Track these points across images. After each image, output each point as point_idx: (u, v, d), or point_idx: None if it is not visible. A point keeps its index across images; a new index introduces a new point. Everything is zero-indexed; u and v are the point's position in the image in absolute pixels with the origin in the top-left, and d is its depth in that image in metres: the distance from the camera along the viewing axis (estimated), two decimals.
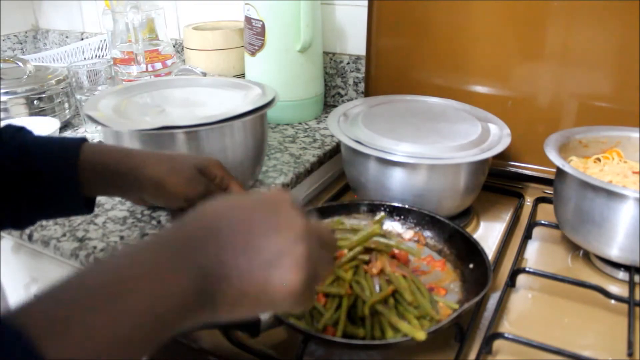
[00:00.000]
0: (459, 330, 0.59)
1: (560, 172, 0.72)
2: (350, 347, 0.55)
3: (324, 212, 0.74)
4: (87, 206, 0.58)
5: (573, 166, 0.70)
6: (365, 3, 1.00)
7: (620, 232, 0.64)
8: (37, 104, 1.03)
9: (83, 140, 0.56)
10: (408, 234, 0.72)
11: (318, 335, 0.53)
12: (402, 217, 0.74)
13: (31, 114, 1.03)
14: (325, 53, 1.14)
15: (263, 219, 0.38)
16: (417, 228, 0.73)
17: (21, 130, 0.56)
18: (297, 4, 0.97)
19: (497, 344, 0.58)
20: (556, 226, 0.77)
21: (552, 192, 0.78)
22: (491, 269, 0.61)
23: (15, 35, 1.71)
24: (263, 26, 1.00)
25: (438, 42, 0.97)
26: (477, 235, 0.78)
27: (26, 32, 1.74)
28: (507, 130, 0.82)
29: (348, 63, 1.14)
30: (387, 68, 1.03)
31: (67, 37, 1.70)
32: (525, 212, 0.85)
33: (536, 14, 0.87)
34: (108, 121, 0.68)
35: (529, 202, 0.88)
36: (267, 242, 0.36)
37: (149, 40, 1.09)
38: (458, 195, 0.78)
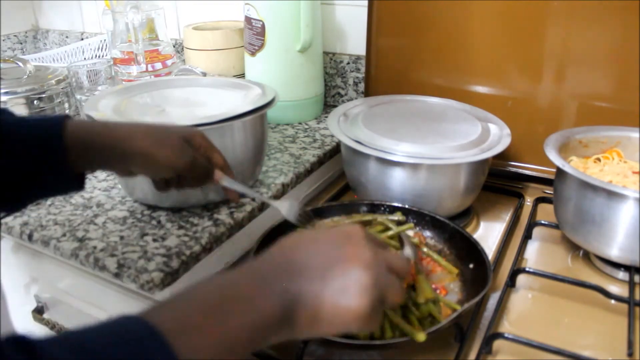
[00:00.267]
0: (459, 330, 0.59)
1: (560, 172, 0.72)
2: (350, 347, 0.55)
3: (324, 212, 0.74)
4: (77, 182, 0.58)
5: (573, 166, 0.70)
6: (365, 3, 1.00)
7: (620, 232, 0.64)
8: (37, 104, 1.03)
9: (66, 116, 0.56)
10: (408, 234, 0.72)
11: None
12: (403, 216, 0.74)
13: (31, 114, 1.02)
14: (325, 53, 1.14)
15: (335, 251, 0.43)
16: (417, 228, 0.73)
17: (2, 112, 0.56)
18: (297, 4, 0.97)
19: (497, 344, 0.58)
20: (556, 226, 0.77)
21: (552, 192, 0.78)
22: (491, 269, 0.61)
23: (15, 35, 1.71)
24: (263, 26, 1.00)
25: (438, 42, 0.97)
26: (477, 235, 0.78)
27: (26, 32, 1.74)
28: (507, 130, 0.82)
29: (348, 63, 1.14)
30: (387, 68, 1.03)
31: (67, 37, 1.70)
32: (525, 212, 0.85)
33: (536, 14, 0.87)
34: None
35: (529, 202, 0.88)
36: (338, 271, 0.42)
37: (149, 40, 1.09)
38: (458, 195, 0.78)
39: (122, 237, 0.69)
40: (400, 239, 0.65)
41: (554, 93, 0.89)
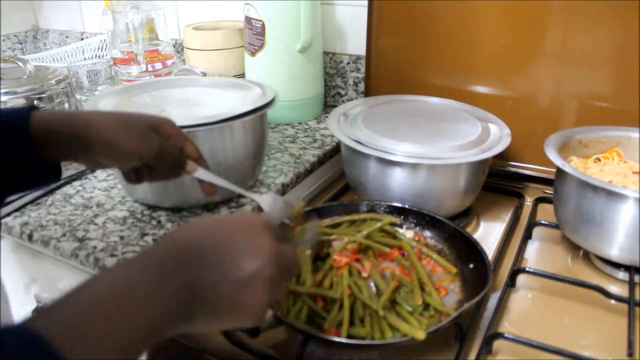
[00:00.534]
0: (459, 330, 0.59)
1: (560, 172, 0.72)
2: (350, 347, 0.55)
3: (324, 212, 0.74)
4: (52, 172, 0.57)
5: (573, 166, 0.70)
6: (365, 3, 1.00)
7: (620, 232, 0.64)
8: (37, 104, 1.03)
9: (32, 107, 0.55)
10: (408, 234, 0.72)
11: (318, 335, 0.53)
12: (402, 217, 0.74)
13: None
14: (325, 53, 1.14)
15: (238, 242, 0.41)
16: (417, 228, 0.73)
17: None
18: (297, 4, 0.97)
19: (497, 344, 0.58)
20: (556, 226, 0.77)
21: (552, 192, 0.78)
22: (491, 269, 0.61)
23: (15, 35, 1.71)
24: (263, 26, 1.00)
25: (438, 42, 0.97)
26: (477, 235, 0.78)
27: (26, 32, 1.74)
28: (507, 130, 0.82)
29: (348, 63, 1.14)
30: (387, 68, 1.03)
31: (67, 37, 1.70)
32: (525, 212, 0.85)
33: (536, 14, 0.87)
34: None
35: (529, 202, 0.88)
36: (241, 264, 0.40)
37: (149, 40, 1.09)
38: (458, 195, 0.78)
39: (122, 237, 0.69)
40: (304, 228, 0.63)
41: (554, 93, 0.89)
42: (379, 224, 0.69)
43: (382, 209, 0.74)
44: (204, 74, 0.97)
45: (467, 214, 0.84)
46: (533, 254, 0.76)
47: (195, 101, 0.79)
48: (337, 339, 0.53)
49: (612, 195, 0.64)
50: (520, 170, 0.94)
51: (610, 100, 0.86)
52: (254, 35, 1.02)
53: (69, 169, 0.86)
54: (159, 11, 1.10)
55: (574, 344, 0.58)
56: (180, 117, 0.72)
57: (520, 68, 0.91)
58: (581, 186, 0.67)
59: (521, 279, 0.69)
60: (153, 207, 0.76)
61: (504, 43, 0.91)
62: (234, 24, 1.20)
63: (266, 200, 0.64)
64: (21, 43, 1.73)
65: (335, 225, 0.71)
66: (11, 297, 0.89)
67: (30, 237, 0.71)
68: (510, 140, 0.79)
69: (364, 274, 0.60)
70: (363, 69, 1.11)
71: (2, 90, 1.00)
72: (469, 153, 0.75)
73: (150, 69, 1.05)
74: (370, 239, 0.67)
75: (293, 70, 1.03)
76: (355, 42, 1.12)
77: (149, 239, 0.69)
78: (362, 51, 1.07)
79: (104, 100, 0.75)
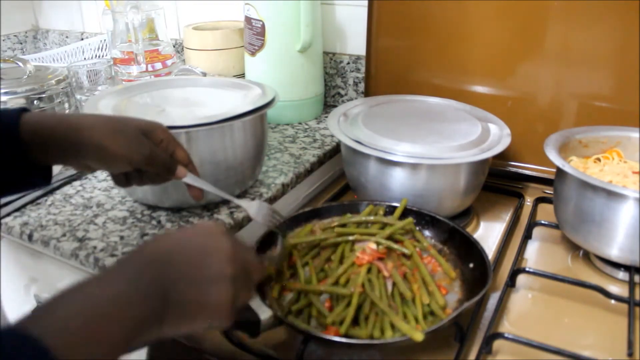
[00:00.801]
0: (459, 330, 0.59)
1: (560, 172, 0.72)
2: (350, 347, 0.55)
3: (324, 212, 0.74)
4: (42, 176, 0.56)
5: (573, 166, 0.70)
6: (365, 3, 1.00)
7: (620, 232, 0.64)
8: (37, 104, 1.03)
9: (23, 109, 0.55)
10: (408, 234, 0.72)
11: (318, 335, 0.53)
12: (402, 217, 0.74)
13: None
14: (325, 53, 1.14)
15: (198, 245, 0.44)
16: (417, 228, 0.73)
17: None
18: (297, 4, 0.97)
19: (497, 344, 0.58)
20: (556, 226, 0.77)
21: (552, 192, 0.78)
22: (491, 268, 0.61)
23: (15, 35, 1.71)
24: (263, 26, 1.00)
25: (438, 42, 0.97)
26: (477, 235, 0.78)
27: (26, 32, 1.74)
28: (507, 130, 0.82)
29: (348, 63, 1.14)
30: (387, 68, 1.03)
31: (67, 37, 1.70)
32: (525, 212, 0.85)
33: (536, 14, 0.87)
34: None
35: (529, 202, 0.88)
36: (202, 266, 0.43)
37: (149, 40, 1.09)
38: (458, 195, 0.78)
39: (122, 237, 0.69)
40: (276, 241, 0.66)
41: (554, 93, 0.89)
42: (401, 224, 0.68)
43: (382, 209, 0.74)
44: (204, 74, 0.97)
45: (467, 214, 0.84)
46: (533, 254, 0.76)
47: (195, 101, 0.79)
48: (336, 339, 0.53)
49: (612, 195, 0.64)
50: (520, 170, 0.94)
51: (610, 100, 0.86)
52: (254, 35, 1.02)
53: (68, 168, 0.86)
54: (159, 11, 1.10)
55: (574, 344, 0.58)
56: (180, 117, 0.72)
57: (520, 68, 0.91)
58: (581, 186, 0.67)
59: (521, 279, 0.69)
60: (153, 207, 0.76)
61: (504, 43, 0.91)
62: (234, 24, 1.20)
63: (252, 206, 0.65)
64: (21, 43, 1.73)
65: (353, 225, 0.71)
66: (11, 297, 0.89)
67: (30, 237, 0.71)
68: (510, 140, 0.79)
69: (385, 274, 0.60)
70: (363, 69, 1.11)
71: (2, 90, 1.00)
72: (469, 153, 0.75)
73: (150, 69, 1.05)
74: (390, 239, 0.66)
75: (293, 70, 1.03)
76: (355, 42, 1.12)
77: (149, 239, 0.69)
78: (362, 51, 1.07)
79: (104, 100, 0.75)
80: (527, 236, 0.79)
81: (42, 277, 0.84)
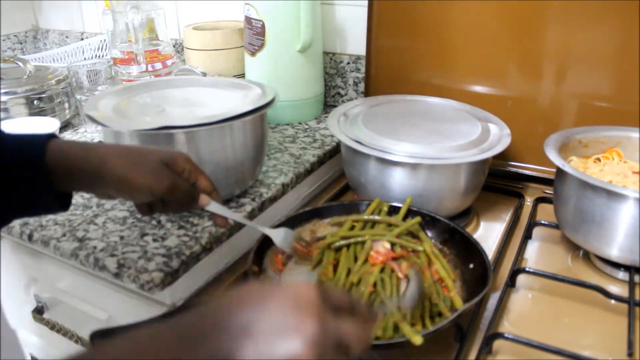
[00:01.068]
0: (459, 330, 0.59)
1: (560, 172, 0.72)
2: None
3: (324, 212, 0.74)
4: (61, 203, 0.57)
5: (573, 166, 0.70)
6: (365, 3, 1.00)
7: (620, 232, 0.64)
8: (37, 104, 1.03)
9: (51, 136, 0.55)
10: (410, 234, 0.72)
11: None
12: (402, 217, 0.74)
13: (31, 114, 1.02)
14: (325, 53, 1.14)
15: (279, 318, 0.36)
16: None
17: None
18: (297, 4, 0.97)
19: (497, 344, 0.58)
20: (556, 226, 0.77)
21: (552, 192, 0.78)
22: (491, 269, 0.61)
23: (15, 35, 1.71)
24: (263, 26, 1.00)
25: (438, 42, 0.97)
26: (477, 235, 0.78)
27: (26, 32, 1.74)
28: (507, 130, 0.82)
29: (348, 63, 1.14)
30: (387, 68, 1.03)
31: (67, 37, 1.70)
32: (525, 212, 0.85)
33: (536, 14, 0.87)
34: (108, 121, 0.68)
35: (529, 202, 0.88)
36: (276, 343, 0.35)
37: (149, 40, 1.09)
38: (458, 195, 0.78)
39: (122, 237, 0.69)
40: (398, 278, 0.61)
41: (554, 93, 0.89)
42: (407, 224, 0.68)
43: (387, 205, 0.74)
44: (204, 74, 0.97)
45: (467, 214, 0.84)
46: (533, 254, 0.76)
47: (195, 101, 0.79)
48: None
49: (612, 195, 0.64)
50: (520, 170, 0.94)
51: (610, 100, 0.86)
52: (254, 35, 1.02)
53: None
54: (159, 11, 1.10)
55: (574, 344, 0.58)
56: (180, 117, 0.72)
57: (520, 68, 0.91)
58: (581, 186, 0.67)
59: (521, 279, 0.69)
60: None
61: (504, 43, 0.91)
62: (234, 24, 1.20)
63: (278, 234, 0.66)
64: (21, 43, 1.73)
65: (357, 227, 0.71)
66: (11, 297, 0.89)
67: (30, 237, 0.71)
68: (510, 140, 0.79)
69: (400, 275, 0.60)
70: (363, 69, 1.11)
71: (2, 90, 1.00)
72: (469, 153, 0.75)
73: (150, 69, 1.05)
74: (400, 239, 0.66)
75: (293, 70, 1.03)
76: (355, 42, 1.12)
77: (149, 239, 0.69)
78: (362, 51, 1.07)
79: (103, 100, 0.75)
80: (527, 236, 0.79)
81: (42, 277, 0.84)
